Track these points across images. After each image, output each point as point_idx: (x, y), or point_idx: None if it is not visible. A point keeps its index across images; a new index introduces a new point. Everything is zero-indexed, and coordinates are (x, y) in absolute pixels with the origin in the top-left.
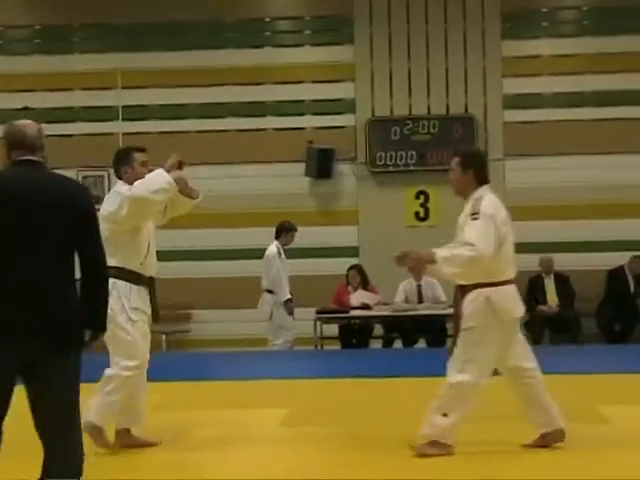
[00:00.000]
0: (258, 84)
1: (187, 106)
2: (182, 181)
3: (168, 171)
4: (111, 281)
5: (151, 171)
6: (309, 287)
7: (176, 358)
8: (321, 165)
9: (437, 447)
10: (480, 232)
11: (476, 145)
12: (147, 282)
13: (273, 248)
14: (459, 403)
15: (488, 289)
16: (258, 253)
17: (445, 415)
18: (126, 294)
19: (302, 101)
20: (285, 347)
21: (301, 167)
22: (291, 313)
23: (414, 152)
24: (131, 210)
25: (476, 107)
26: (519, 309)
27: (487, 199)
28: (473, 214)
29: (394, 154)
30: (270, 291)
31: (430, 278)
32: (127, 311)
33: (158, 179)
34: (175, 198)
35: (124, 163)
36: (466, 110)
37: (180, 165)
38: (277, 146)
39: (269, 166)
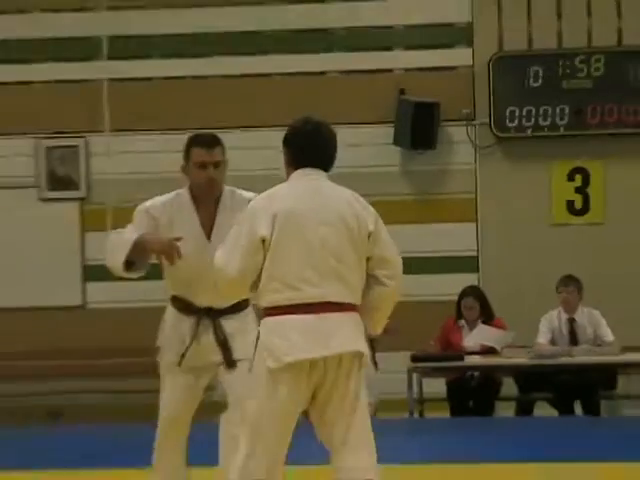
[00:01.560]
0: (319, 1)
1: (204, 36)
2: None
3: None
4: None
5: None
6: (401, 319)
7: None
8: (419, 128)
9: None
10: None
11: None
12: None
13: None
14: None
15: None
16: None
17: None
18: None
19: (389, 27)
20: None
21: (388, 131)
22: (373, 361)
23: (566, 107)
24: None
25: None
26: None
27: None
28: None
29: (534, 110)
30: None
31: (589, 309)
32: None
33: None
34: None
35: (184, 157)
36: None
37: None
38: (348, 98)
39: (335, 130)
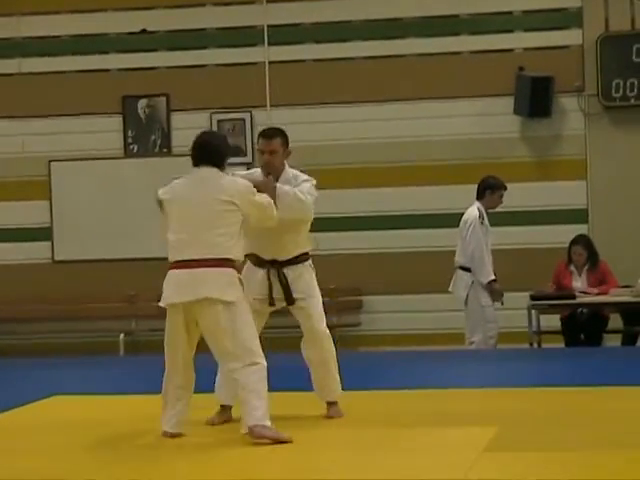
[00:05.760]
0: None
1: (351, 24)
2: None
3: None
4: None
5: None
6: (521, 264)
7: (343, 359)
8: (536, 99)
9: None
10: None
11: None
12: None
13: (473, 211)
14: None
15: None
16: (451, 219)
17: None
18: None
19: (509, 13)
20: (486, 345)
21: (509, 102)
22: (497, 299)
23: None
24: None
25: None
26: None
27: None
28: None
29: (636, 82)
30: (467, 269)
31: None
32: None
33: None
34: None
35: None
36: None
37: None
38: (475, 75)
39: (464, 102)
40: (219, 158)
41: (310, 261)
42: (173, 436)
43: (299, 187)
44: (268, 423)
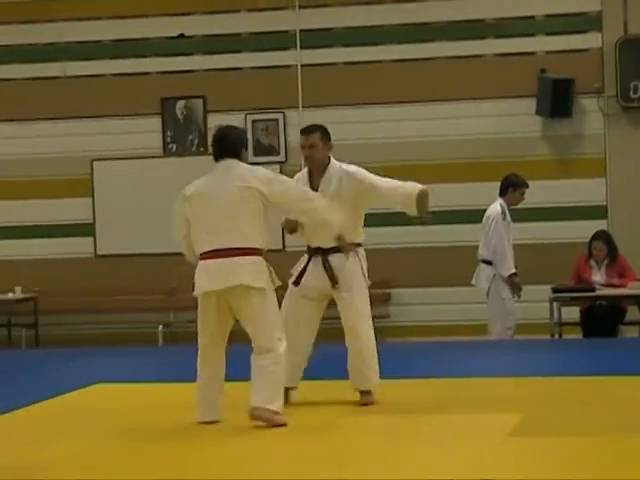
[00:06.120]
0: None
1: (380, 28)
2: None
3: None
4: None
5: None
6: (542, 258)
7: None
8: (557, 100)
9: None
10: None
11: None
12: None
13: (496, 207)
14: None
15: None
16: (474, 215)
17: None
18: None
19: (532, 17)
20: (504, 336)
21: (531, 103)
22: (517, 292)
23: None
24: None
25: None
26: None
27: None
28: None
29: None
30: (489, 262)
31: None
32: None
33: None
34: None
35: None
36: None
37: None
38: (499, 77)
39: (488, 103)
40: (237, 149)
41: (360, 251)
42: (208, 424)
43: (367, 182)
44: (271, 407)
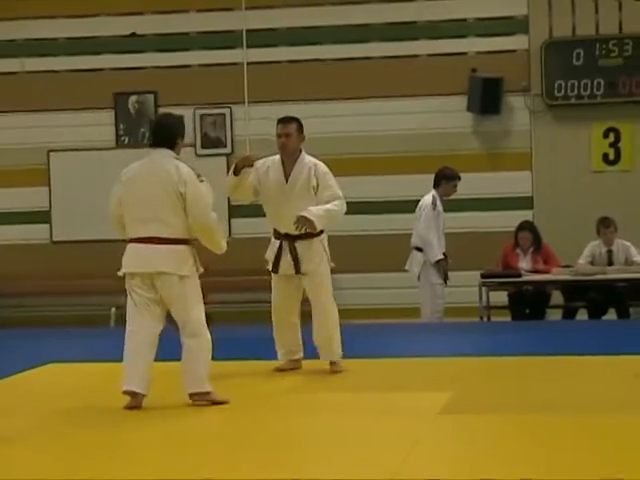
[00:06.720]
0: (408, 0)
1: (322, 29)
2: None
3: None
4: None
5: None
6: (472, 246)
7: (309, 332)
8: (487, 98)
9: None
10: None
11: None
12: None
13: (428, 198)
14: None
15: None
16: (409, 206)
17: None
18: None
19: (463, 20)
20: (433, 319)
21: (462, 101)
22: (444, 277)
23: (602, 80)
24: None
25: None
26: None
27: None
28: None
29: (577, 83)
30: (420, 249)
31: (622, 241)
32: None
33: None
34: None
35: None
36: None
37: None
38: (432, 75)
39: (422, 100)
40: (173, 137)
41: (323, 237)
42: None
43: (327, 191)
44: (207, 388)
